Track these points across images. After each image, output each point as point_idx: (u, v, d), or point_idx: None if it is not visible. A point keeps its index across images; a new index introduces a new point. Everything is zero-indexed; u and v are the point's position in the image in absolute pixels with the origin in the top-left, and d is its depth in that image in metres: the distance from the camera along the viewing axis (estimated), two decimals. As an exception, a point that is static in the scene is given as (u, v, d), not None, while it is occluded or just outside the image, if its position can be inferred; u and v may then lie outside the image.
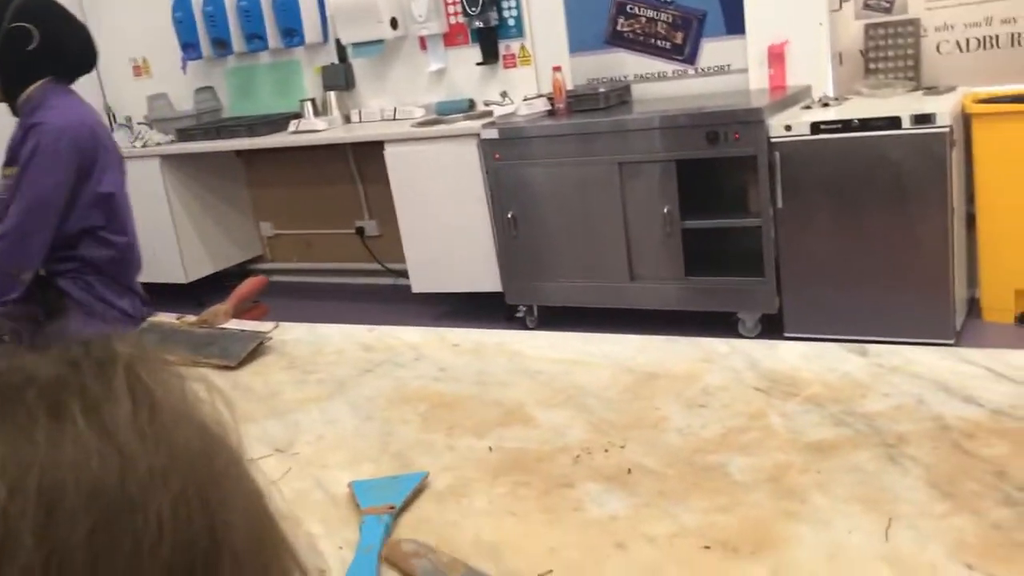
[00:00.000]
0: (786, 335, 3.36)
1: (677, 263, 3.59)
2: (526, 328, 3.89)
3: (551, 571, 0.86)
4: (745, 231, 3.50)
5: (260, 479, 0.36)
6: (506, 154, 3.78)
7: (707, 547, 0.87)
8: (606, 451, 1.07)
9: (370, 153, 4.25)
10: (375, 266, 4.79)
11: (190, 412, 0.33)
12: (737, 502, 0.93)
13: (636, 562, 0.86)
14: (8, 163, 2.14)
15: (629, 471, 1.02)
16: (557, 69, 3.86)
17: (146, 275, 5.17)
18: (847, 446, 1.00)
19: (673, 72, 3.99)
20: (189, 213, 4.74)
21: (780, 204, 3.31)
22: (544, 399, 1.22)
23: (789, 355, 1.25)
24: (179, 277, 4.71)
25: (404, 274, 4.23)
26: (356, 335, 1.56)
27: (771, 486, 0.95)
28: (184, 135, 4.65)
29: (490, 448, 1.11)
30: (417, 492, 1.03)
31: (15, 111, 2.19)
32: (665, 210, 3.53)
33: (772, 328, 3.45)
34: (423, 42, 4.35)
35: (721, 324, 3.53)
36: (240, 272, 4.96)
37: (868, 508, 0.89)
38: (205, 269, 4.81)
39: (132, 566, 0.27)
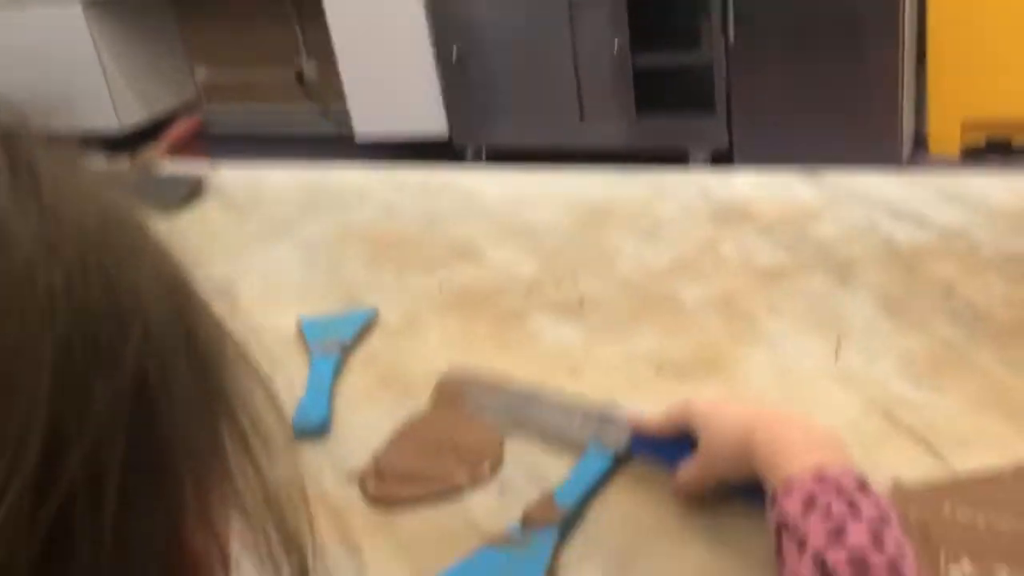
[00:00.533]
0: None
1: (628, 101, 3.52)
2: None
3: (504, 400, 0.86)
4: (696, 66, 3.43)
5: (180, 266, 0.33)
6: (450, -13, 3.61)
7: (658, 371, 0.87)
8: (558, 284, 1.06)
9: (306, -11, 4.04)
10: (316, 110, 4.64)
11: (83, 186, 0.30)
12: (688, 328, 0.93)
13: (590, 385, 0.86)
14: None
15: (581, 302, 1.01)
16: None
17: (77, 123, 4.98)
18: (798, 270, 1.00)
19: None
20: (116, 58, 4.50)
21: (732, 39, 3.24)
22: (494, 236, 1.20)
23: (739, 182, 1.23)
24: (112, 124, 4.52)
25: (346, 118, 4.11)
26: (298, 175, 1.50)
27: (722, 312, 0.95)
28: (105, -28, 4.36)
29: (440, 285, 1.09)
30: (367, 329, 1.01)
31: None
32: (616, 43, 3.43)
33: (722, 162, 3.45)
34: None
35: (672, 160, 3.51)
36: (174, 118, 4.78)
37: (818, 329, 0.89)
38: (139, 115, 4.61)
39: (23, 343, 0.24)
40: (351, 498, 0.76)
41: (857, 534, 0.51)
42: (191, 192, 1.48)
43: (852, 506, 0.52)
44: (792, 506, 0.54)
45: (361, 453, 0.81)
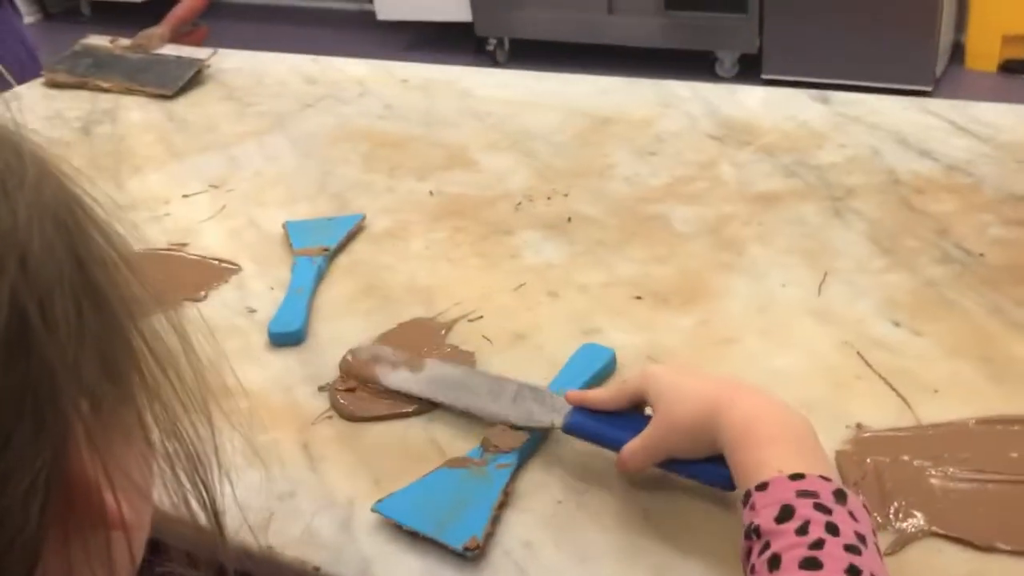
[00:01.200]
0: (763, 76, 3.26)
1: (657, -5, 3.40)
2: (495, 63, 3.75)
3: (481, 316, 0.86)
4: (730, -37, 3.29)
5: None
6: None
7: (638, 297, 0.86)
8: (548, 199, 1.04)
9: None
10: (339, -11, 4.52)
11: None
12: (674, 253, 0.92)
13: (565, 309, 0.85)
14: None
15: (569, 219, 0.99)
16: None
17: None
18: (794, 198, 0.98)
19: None
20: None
21: (770, -66, 3.09)
22: (490, 142, 1.17)
23: (749, 100, 1.19)
24: (132, -7, 4.43)
25: (369, -2, 4.00)
26: (300, 66, 1.47)
27: (711, 238, 0.93)
28: None
29: (430, 192, 1.08)
30: (353, 234, 1.01)
31: None
32: (648, -64, 3.29)
33: (750, 69, 3.34)
34: None
35: (699, 63, 3.41)
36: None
37: (806, 261, 0.88)
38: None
39: None
40: (319, 408, 0.77)
41: (834, 560, 0.47)
42: (192, 77, 1.45)
43: (830, 524, 0.49)
44: (767, 512, 0.51)
45: (335, 364, 0.81)
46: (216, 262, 0.99)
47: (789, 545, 0.49)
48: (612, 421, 0.66)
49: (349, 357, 0.81)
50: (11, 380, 0.27)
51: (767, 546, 0.50)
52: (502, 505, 0.65)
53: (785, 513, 0.50)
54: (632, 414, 0.66)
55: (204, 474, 0.38)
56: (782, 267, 0.88)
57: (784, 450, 0.55)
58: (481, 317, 0.86)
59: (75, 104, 1.45)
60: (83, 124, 1.38)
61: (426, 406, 0.75)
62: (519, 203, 1.03)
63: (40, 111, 1.43)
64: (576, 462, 0.68)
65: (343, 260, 0.97)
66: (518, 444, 0.69)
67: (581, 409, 0.68)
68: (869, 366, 0.74)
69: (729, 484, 0.58)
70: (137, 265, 0.34)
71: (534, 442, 0.70)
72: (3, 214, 0.27)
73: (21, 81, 1.49)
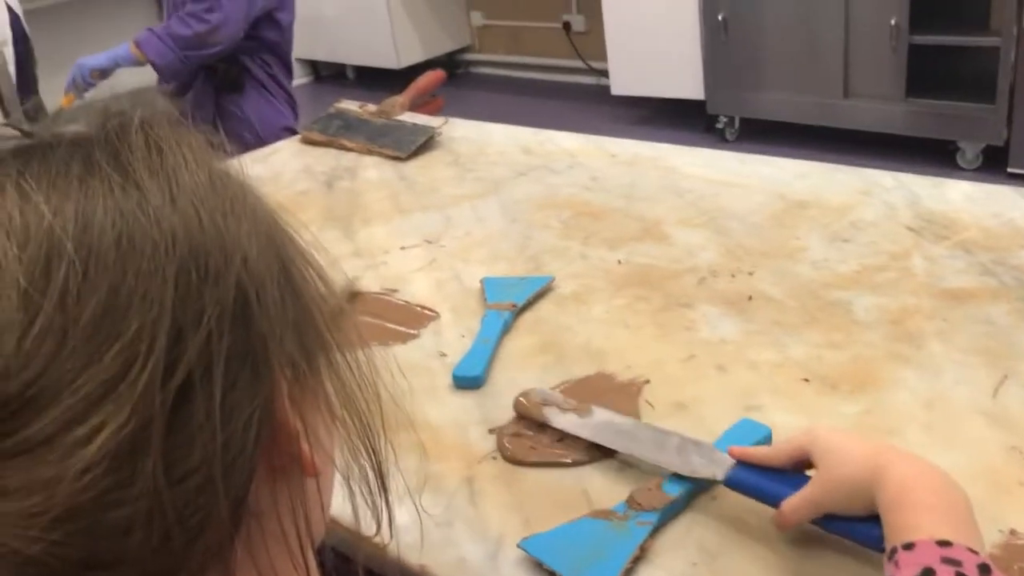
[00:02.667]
0: (1009, 170, 3.08)
1: (898, 81, 3.30)
2: (724, 141, 3.77)
3: (647, 380, 0.90)
4: (980, 51, 3.15)
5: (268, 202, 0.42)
6: (724, -50, 3.53)
7: (806, 380, 0.87)
8: (733, 276, 1.07)
9: (583, -56, 4.09)
10: (579, 63, 4.72)
11: (197, 157, 0.39)
12: (851, 340, 0.92)
13: (732, 385, 0.88)
14: None
15: (750, 298, 1.02)
16: None
17: (361, 59, 5.35)
18: (985, 296, 0.95)
19: None
20: (403, 3, 4.80)
21: (1026, 23, 2.95)
22: (685, 218, 1.22)
23: (954, 194, 1.17)
24: (392, 63, 4.85)
25: (606, 73, 4.15)
26: (519, 137, 1.59)
27: (890, 328, 0.93)
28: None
29: (619, 261, 1.14)
30: (541, 294, 1.08)
31: None
32: (892, 21, 3.22)
33: (995, 162, 3.16)
34: None
35: (939, 153, 3.27)
36: (449, 62, 5.04)
37: (985, 362, 0.86)
38: (416, 56, 4.91)
39: (153, 268, 0.35)
40: (487, 448, 0.84)
41: None
42: (424, 143, 1.60)
43: None
44: (908, 572, 0.53)
45: (507, 409, 0.88)
46: (419, 308, 1.09)
47: None
48: (773, 477, 0.70)
49: (523, 399, 0.88)
50: (236, 341, 0.36)
51: None
52: (637, 559, 0.69)
53: (926, 574, 0.52)
54: (792, 472, 0.69)
55: (375, 444, 0.46)
56: (959, 365, 0.86)
57: (937, 517, 0.57)
58: (647, 382, 0.90)
59: (323, 160, 1.64)
60: (327, 178, 1.56)
61: (583, 457, 0.81)
62: (703, 278, 1.07)
63: (293, 164, 1.63)
64: (716, 528, 0.71)
65: (528, 316, 1.05)
66: (660, 505, 0.73)
67: (743, 464, 0.72)
68: (1034, 474, 0.71)
69: (880, 545, 0.59)
70: (326, 276, 0.44)
71: (677, 505, 0.74)
72: (230, 223, 0.38)
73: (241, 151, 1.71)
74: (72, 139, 0.38)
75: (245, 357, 0.37)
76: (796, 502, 0.66)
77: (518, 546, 0.71)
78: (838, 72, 3.43)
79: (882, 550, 0.59)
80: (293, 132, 2.03)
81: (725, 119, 3.81)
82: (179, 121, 0.40)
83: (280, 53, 2.28)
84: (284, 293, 0.40)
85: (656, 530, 0.71)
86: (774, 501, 0.68)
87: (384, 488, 0.47)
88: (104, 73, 2.12)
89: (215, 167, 0.40)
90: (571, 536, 0.72)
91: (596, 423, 0.83)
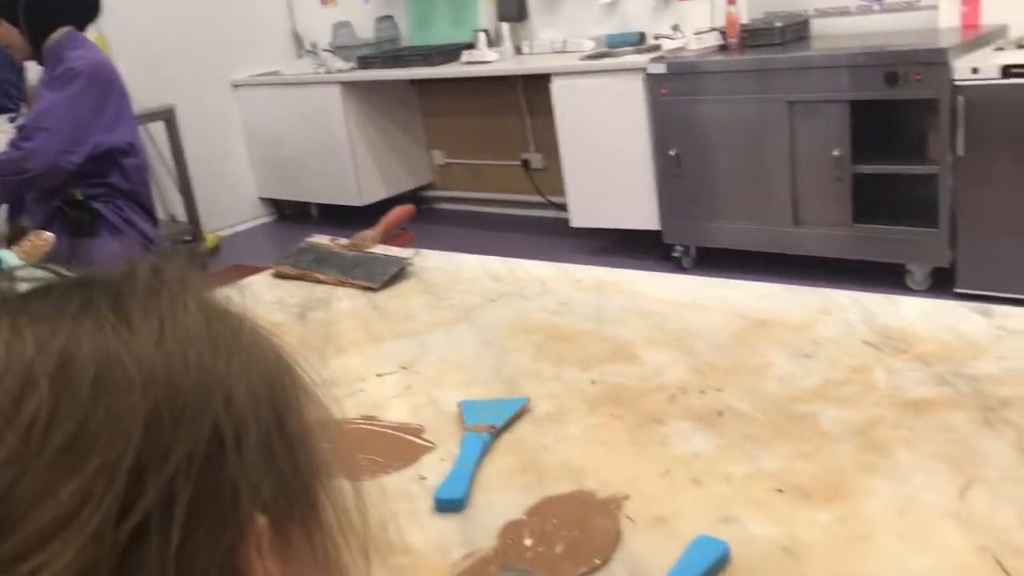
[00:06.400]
0: (957, 290, 3.20)
1: (845, 209, 3.46)
2: (682, 268, 3.88)
3: (628, 496, 0.92)
4: (920, 179, 3.33)
5: (276, 349, 0.42)
6: (673, 89, 3.73)
7: (780, 490, 0.90)
8: (702, 392, 1.10)
9: (539, 85, 4.29)
10: (538, 198, 4.87)
11: (197, 299, 0.40)
12: (820, 451, 0.95)
13: (708, 497, 0.90)
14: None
15: (720, 413, 1.05)
16: (732, 2, 3.75)
17: (325, 196, 5.46)
18: (945, 406, 1.00)
19: (856, 7, 3.79)
20: (366, 139, 4.95)
21: (961, 151, 3.13)
22: (652, 338, 1.26)
23: (909, 311, 1.23)
24: (355, 200, 4.96)
25: (565, 207, 4.29)
26: (490, 266, 1.64)
27: (858, 439, 0.96)
28: (364, 63, 4.84)
29: (592, 381, 1.17)
30: (518, 415, 1.10)
31: (40, 59, 2.34)
32: (836, 153, 3.40)
33: (943, 282, 3.29)
34: (597, -27, 4.31)
35: (888, 275, 3.40)
36: (412, 198, 5.17)
37: (950, 467, 0.89)
38: (379, 194, 5.03)
39: (123, 406, 0.35)
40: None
41: None
42: (396, 273, 1.64)
43: None
44: None
45: (490, 532, 0.89)
46: (412, 439, 1.10)
47: None
48: None
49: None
50: (203, 484, 0.36)
51: None
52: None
53: None
54: None
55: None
56: (925, 471, 0.89)
57: None
58: (627, 497, 0.92)
59: (296, 292, 1.67)
60: (300, 310, 1.58)
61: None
62: (673, 395, 1.10)
63: (267, 297, 1.66)
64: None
65: (507, 437, 1.07)
66: (647, 616, 0.74)
67: None
68: (1006, 572, 0.74)
69: None
70: (330, 428, 0.44)
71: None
72: (219, 362, 0.38)
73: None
74: (78, 280, 0.40)
75: (212, 502, 0.36)
76: None
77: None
78: (787, 202, 3.58)
79: None
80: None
81: (681, 248, 3.93)
82: (190, 265, 0.42)
83: (135, 197, 2.33)
84: (272, 438, 0.39)
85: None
86: None
87: None
88: None
89: (216, 308, 0.41)
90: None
91: None
